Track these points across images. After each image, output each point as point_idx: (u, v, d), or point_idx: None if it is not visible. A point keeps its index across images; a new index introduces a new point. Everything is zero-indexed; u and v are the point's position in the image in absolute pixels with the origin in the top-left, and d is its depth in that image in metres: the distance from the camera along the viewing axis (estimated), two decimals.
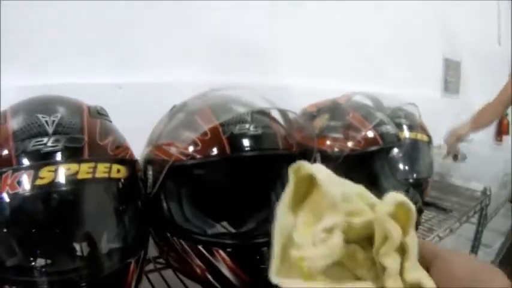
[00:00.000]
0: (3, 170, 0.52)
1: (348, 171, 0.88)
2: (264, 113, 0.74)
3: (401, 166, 1.18)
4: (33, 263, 0.56)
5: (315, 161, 0.81)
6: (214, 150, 0.65)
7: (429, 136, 1.27)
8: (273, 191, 0.76)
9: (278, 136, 0.71)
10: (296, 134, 0.78)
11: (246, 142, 0.67)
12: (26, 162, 0.53)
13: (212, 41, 1.17)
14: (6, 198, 0.52)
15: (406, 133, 1.20)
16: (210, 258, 0.65)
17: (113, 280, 0.58)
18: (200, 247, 0.66)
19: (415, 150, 1.21)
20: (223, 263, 0.64)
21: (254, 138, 0.67)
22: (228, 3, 1.18)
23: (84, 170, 0.55)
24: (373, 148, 0.89)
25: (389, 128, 0.92)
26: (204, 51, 1.16)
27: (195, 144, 0.66)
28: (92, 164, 0.56)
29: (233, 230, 0.73)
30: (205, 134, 0.66)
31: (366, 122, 0.90)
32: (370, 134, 0.89)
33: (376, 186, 0.96)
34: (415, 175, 1.19)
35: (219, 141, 0.65)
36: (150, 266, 0.79)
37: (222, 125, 0.67)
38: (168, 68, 1.08)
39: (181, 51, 1.11)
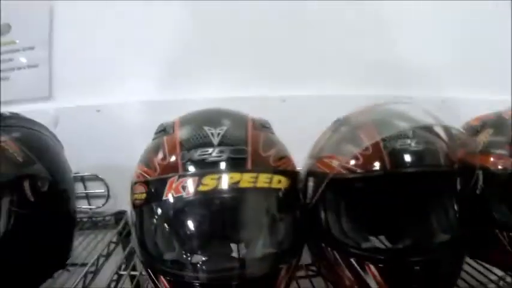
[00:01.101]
0: (170, 175, 0.59)
1: None
2: (427, 128, 0.72)
3: None
4: (190, 259, 0.62)
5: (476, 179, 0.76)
6: (375, 165, 0.66)
7: None
8: (431, 208, 0.73)
9: (440, 152, 0.69)
10: (458, 150, 0.74)
11: (406, 158, 0.66)
12: (191, 169, 0.59)
13: (370, 56, 1.20)
14: (171, 200, 0.59)
15: None
16: (361, 272, 0.65)
17: (263, 283, 0.61)
18: (352, 260, 0.66)
19: None
20: (373, 278, 0.64)
21: (415, 154, 0.66)
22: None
23: (246, 180, 0.58)
24: None
25: None
26: (363, 66, 1.20)
27: (356, 158, 0.67)
28: (254, 174, 0.59)
29: (388, 246, 0.71)
30: (366, 148, 0.66)
31: None
32: None
33: None
34: None
35: (380, 156, 0.66)
36: (302, 273, 0.82)
37: (383, 140, 0.67)
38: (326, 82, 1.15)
39: (341, 67, 1.18)
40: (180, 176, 0.58)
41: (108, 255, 0.86)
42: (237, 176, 0.58)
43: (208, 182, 0.57)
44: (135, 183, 0.65)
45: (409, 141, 0.66)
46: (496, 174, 0.80)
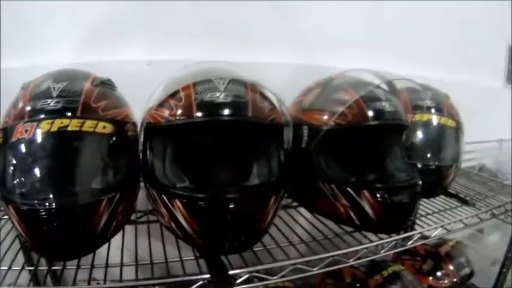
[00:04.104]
0: (19, 121, 0.74)
1: (339, 146, 0.91)
2: (243, 84, 0.80)
3: (415, 149, 1.15)
4: (28, 189, 0.73)
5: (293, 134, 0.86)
6: (185, 115, 0.76)
7: (457, 122, 1.19)
8: (239, 154, 0.84)
9: (249, 105, 0.77)
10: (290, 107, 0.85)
11: (213, 109, 0.75)
12: (34, 117, 0.73)
13: None
14: (17, 141, 0.73)
15: (425, 116, 1.16)
16: (170, 207, 0.76)
17: (86, 210, 0.74)
18: (164, 196, 0.77)
19: (434, 135, 1.16)
20: (179, 213, 0.75)
21: (222, 105, 0.75)
22: None
23: (74, 124, 0.73)
24: (362, 124, 0.88)
25: (386, 105, 0.89)
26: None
27: (172, 108, 0.78)
28: (81, 120, 0.74)
29: (194, 186, 0.81)
30: (180, 99, 0.77)
31: (356, 97, 0.88)
32: (359, 109, 0.87)
33: (379, 165, 0.97)
34: (430, 160, 1.14)
35: (190, 106, 0.75)
36: (144, 219, 0.98)
37: (196, 92, 0.77)
38: None
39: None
40: (24, 122, 0.73)
41: None
42: (66, 121, 0.73)
43: (44, 126, 0.72)
44: None
45: (218, 93, 0.75)
46: (318, 130, 0.89)
